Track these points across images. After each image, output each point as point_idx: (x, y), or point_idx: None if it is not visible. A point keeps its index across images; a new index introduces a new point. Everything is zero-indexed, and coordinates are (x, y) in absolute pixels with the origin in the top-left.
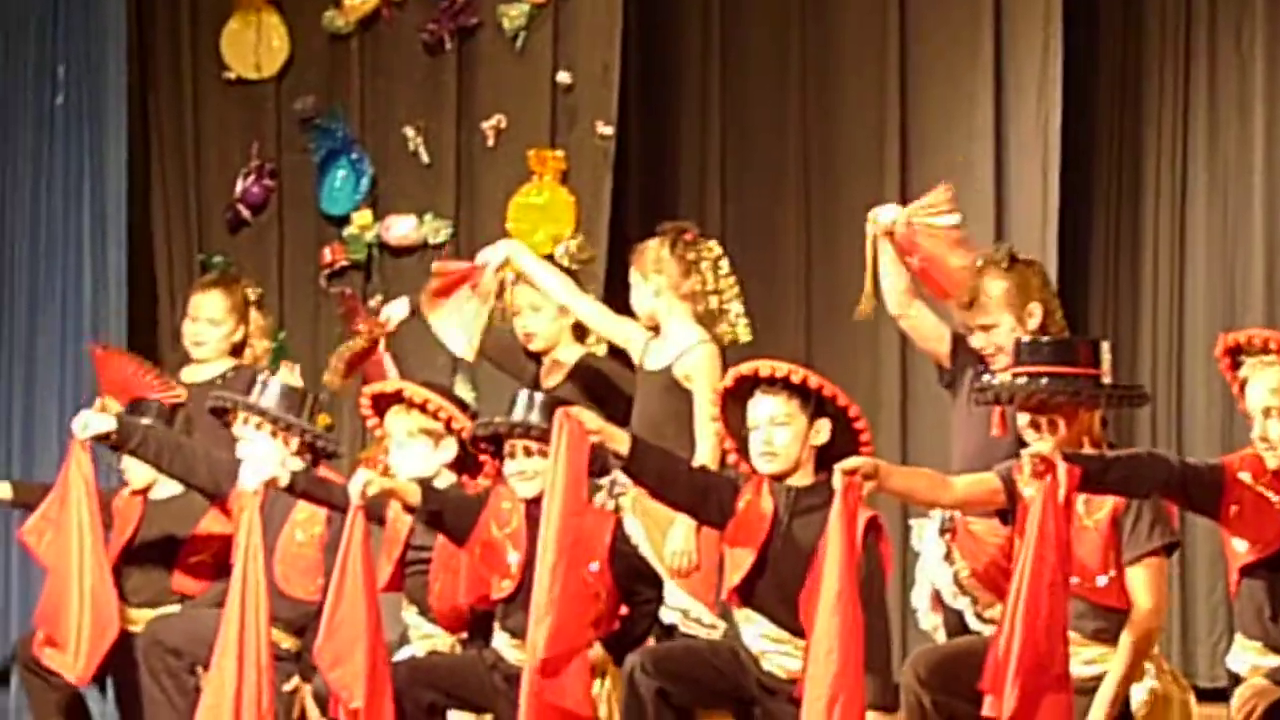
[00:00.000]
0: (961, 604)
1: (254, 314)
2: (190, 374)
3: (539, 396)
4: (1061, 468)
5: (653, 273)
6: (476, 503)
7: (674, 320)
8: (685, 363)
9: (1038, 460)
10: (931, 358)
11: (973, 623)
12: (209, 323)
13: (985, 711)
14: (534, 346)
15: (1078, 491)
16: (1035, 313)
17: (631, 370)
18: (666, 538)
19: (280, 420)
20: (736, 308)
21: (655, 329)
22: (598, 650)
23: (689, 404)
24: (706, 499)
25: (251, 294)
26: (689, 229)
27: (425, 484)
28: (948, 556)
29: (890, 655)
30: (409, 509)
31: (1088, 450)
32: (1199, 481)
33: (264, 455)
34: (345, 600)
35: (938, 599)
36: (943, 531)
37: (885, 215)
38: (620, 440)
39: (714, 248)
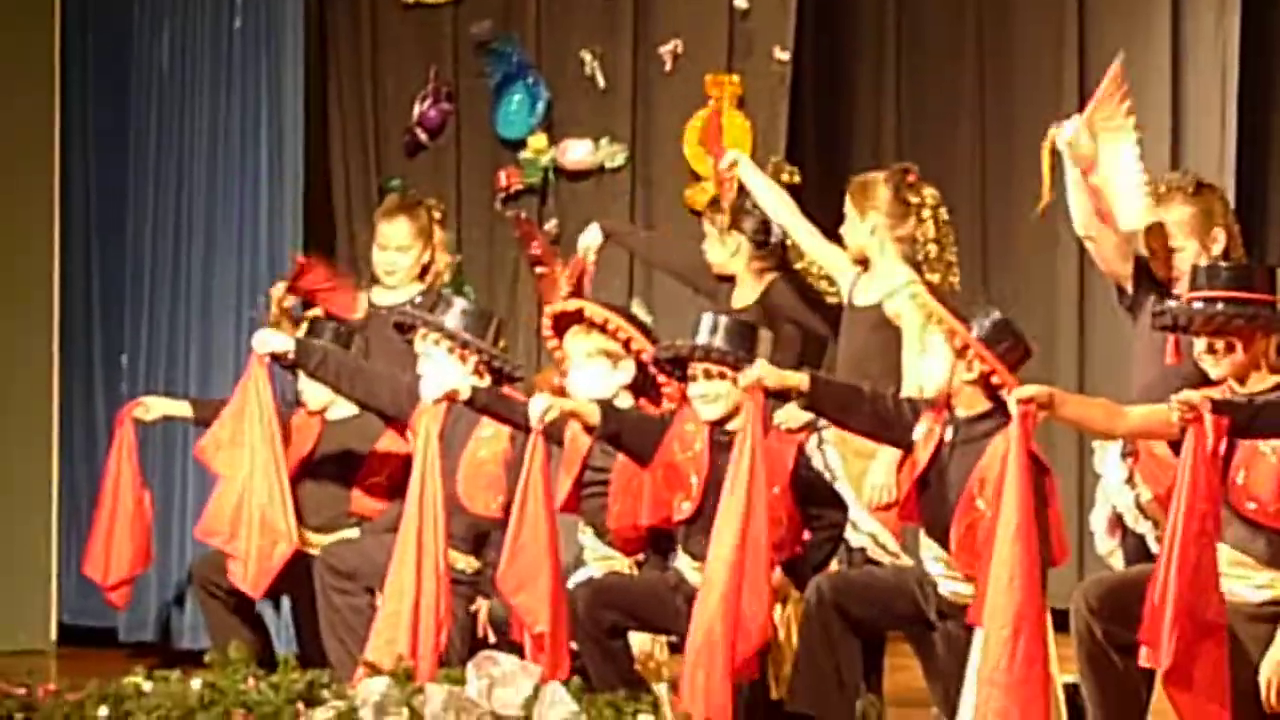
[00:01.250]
0: (1144, 528)
1: (437, 231)
2: (380, 296)
3: (723, 319)
4: (1209, 418)
5: (870, 209)
6: (659, 424)
7: (885, 259)
8: (896, 301)
9: (1185, 408)
10: (1114, 279)
11: (1154, 547)
12: (398, 250)
13: (1142, 662)
14: (715, 271)
15: (1228, 438)
16: (1219, 238)
17: (814, 298)
18: (868, 471)
19: (460, 339)
20: (951, 256)
21: (863, 263)
22: (778, 575)
23: (897, 341)
24: (890, 427)
25: (436, 213)
26: (912, 169)
27: (606, 404)
28: (1130, 480)
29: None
30: (589, 429)
31: (1252, 381)
32: None
33: (446, 374)
34: (527, 525)
35: (1117, 523)
36: (1125, 455)
37: (1069, 128)
38: (799, 381)
39: (935, 194)
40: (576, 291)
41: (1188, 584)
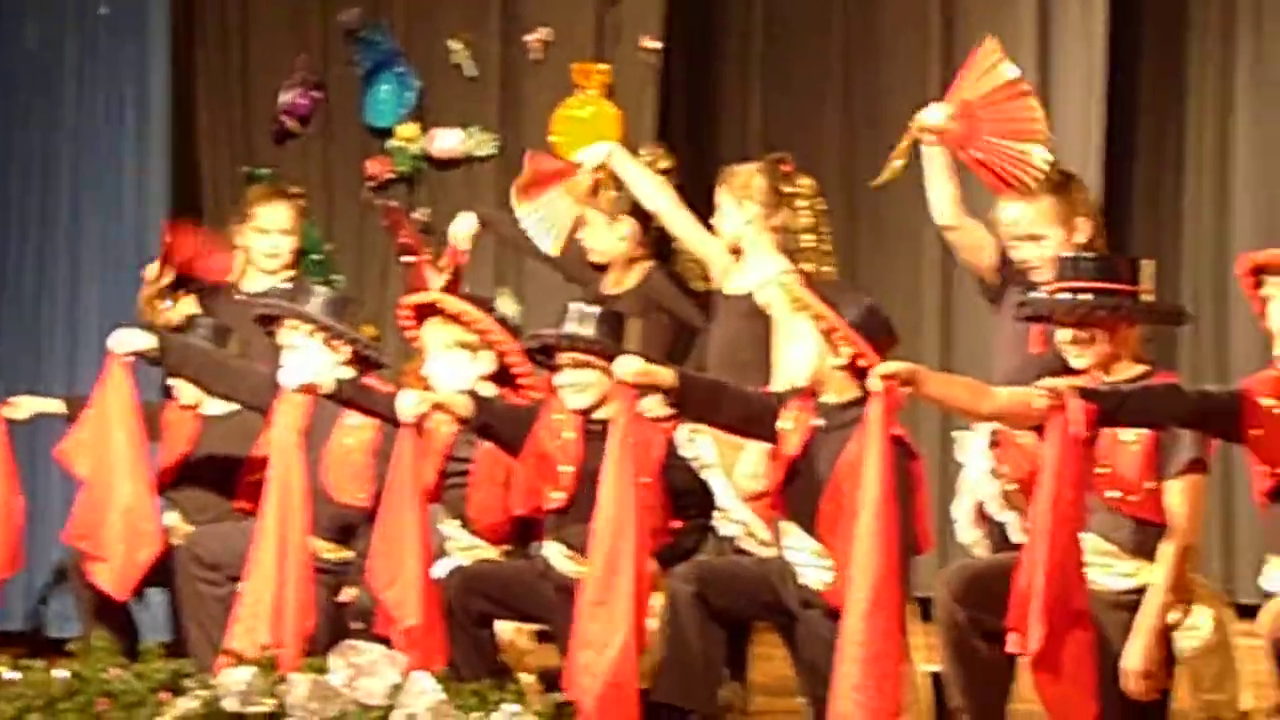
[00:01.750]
0: (1007, 518)
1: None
2: (255, 283)
3: (590, 309)
4: (1075, 405)
5: (745, 199)
6: (529, 414)
7: (758, 249)
8: (768, 291)
9: (1052, 395)
10: (975, 271)
11: (1017, 536)
12: (281, 234)
13: (1010, 648)
14: (593, 259)
15: (1094, 427)
16: (1082, 228)
17: (688, 287)
18: (739, 460)
19: (330, 328)
20: (827, 246)
21: (736, 252)
22: (650, 563)
23: (768, 330)
24: (757, 420)
25: (302, 202)
26: (786, 159)
27: (476, 396)
28: (993, 470)
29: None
30: (461, 421)
31: (1116, 371)
32: (1217, 410)
33: (310, 362)
34: (396, 518)
35: (980, 512)
36: (990, 445)
37: (932, 115)
38: (667, 378)
39: (810, 183)
40: (455, 280)
41: (1055, 571)
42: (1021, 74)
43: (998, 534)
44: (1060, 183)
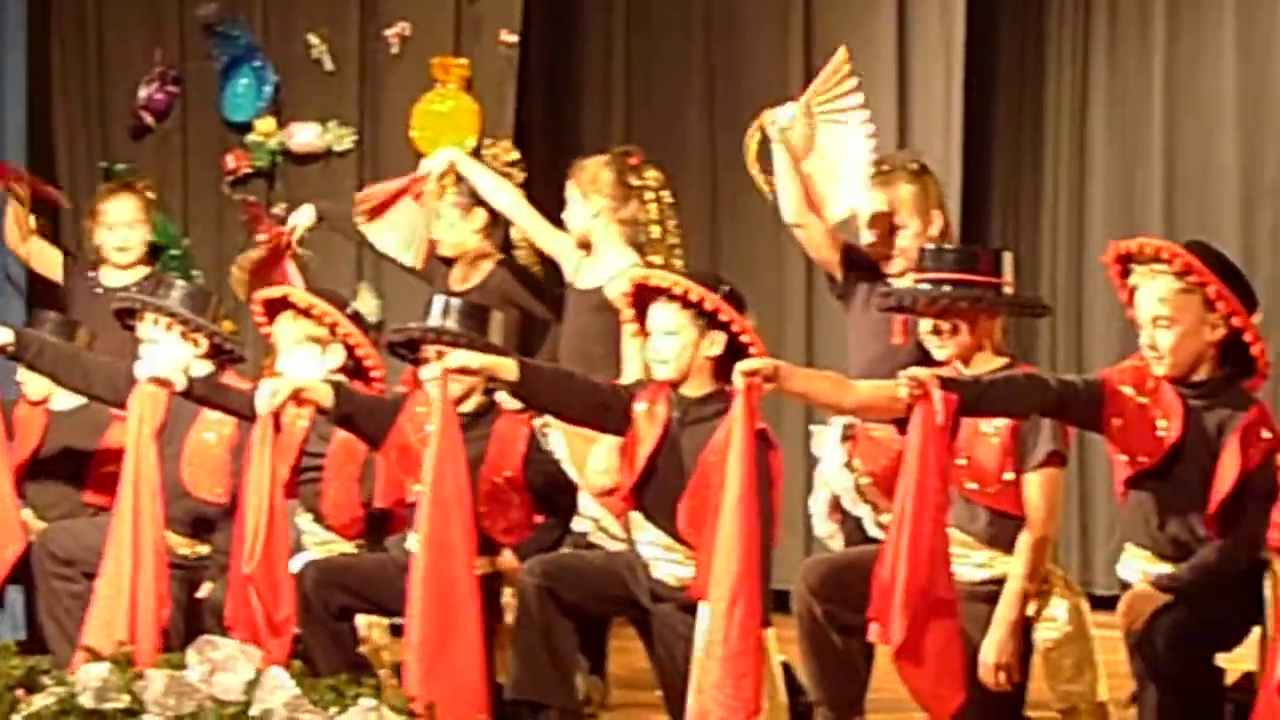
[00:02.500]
0: (862, 511)
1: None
2: (111, 278)
3: (454, 302)
4: (937, 394)
5: (592, 193)
6: (392, 406)
7: (607, 242)
8: (616, 285)
9: (913, 384)
10: (824, 267)
11: (872, 530)
12: (128, 227)
13: (872, 638)
14: (443, 252)
15: (956, 417)
16: (937, 220)
17: (535, 283)
18: (589, 455)
19: (189, 321)
20: (674, 239)
21: (586, 247)
22: (510, 558)
23: (618, 324)
24: (605, 413)
25: (150, 194)
26: (634, 153)
27: (338, 386)
28: (848, 464)
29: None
30: (322, 410)
31: (977, 361)
32: (1078, 399)
33: (168, 355)
34: (261, 511)
35: (836, 506)
36: (844, 439)
37: (784, 114)
38: (508, 369)
39: (658, 176)
40: (272, 259)
41: (919, 560)
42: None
43: (853, 527)
44: (917, 173)
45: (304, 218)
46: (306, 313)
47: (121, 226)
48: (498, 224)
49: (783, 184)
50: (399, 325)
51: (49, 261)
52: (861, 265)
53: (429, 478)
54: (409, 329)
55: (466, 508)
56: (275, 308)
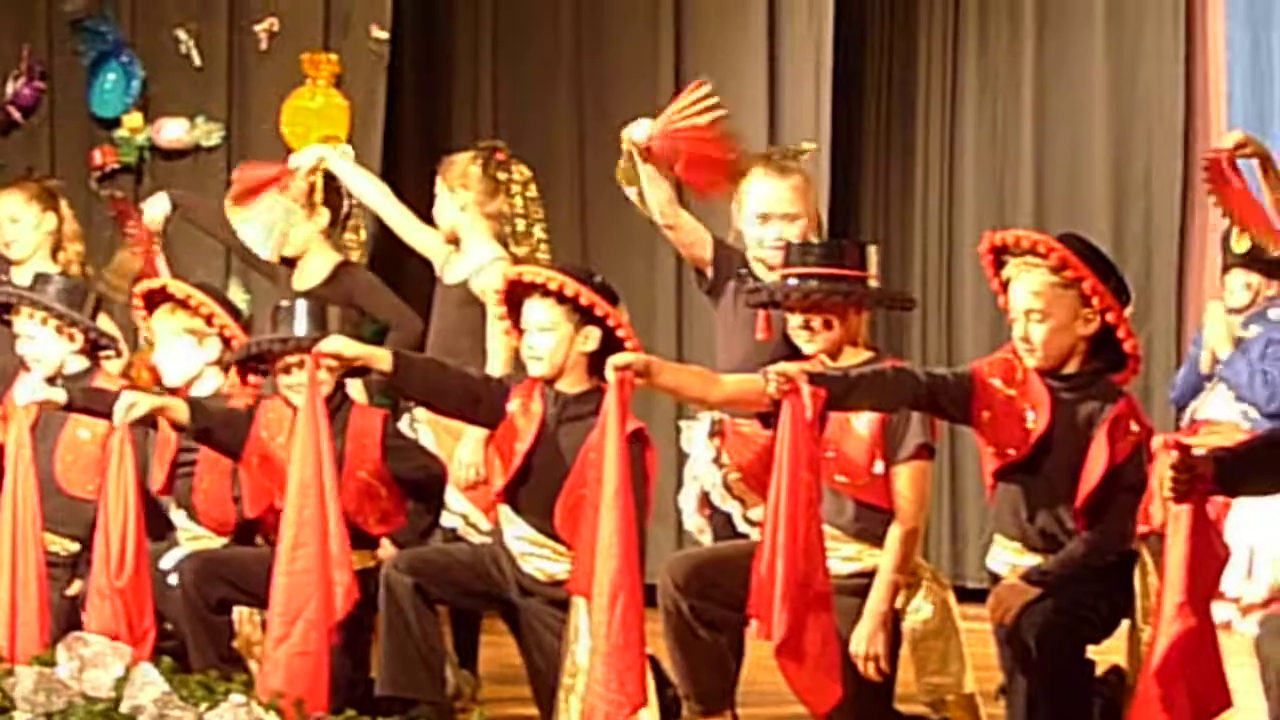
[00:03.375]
0: (730, 506)
1: (66, 211)
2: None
3: (298, 305)
4: (805, 389)
5: (459, 187)
6: (245, 416)
7: (475, 236)
8: (482, 278)
9: (781, 379)
10: (693, 264)
11: (740, 525)
12: (11, 221)
13: (753, 635)
14: (285, 251)
15: (825, 411)
16: (813, 214)
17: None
18: (457, 449)
19: (64, 316)
20: (539, 233)
21: (455, 242)
22: (388, 547)
23: (484, 318)
24: (478, 405)
25: (52, 185)
26: (501, 149)
27: (193, 401)
28: (717, 459)
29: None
30: (177, 426)
31: (845, 356)
32: (947, 392)
33: (47, 357)
34: (121, 524)
35: (705, 501)
36: (712, 435)
37: (639, 132)
38: (382, 359)
39: (524, 171)
40: (148, 262)
41: (795, 555)
42: (726, 114)
43: (721, 523)
44: (795, 167)
45: (159, 208)
46: (184, 304)
47: (5, 221)
48: (339, 225)
49: (648, 189)
50: (252, 339)
51: None
52: (730, 260)
53: (294, 470)
54: (257, 343)
55: (333, 499)
56: (154, 299)
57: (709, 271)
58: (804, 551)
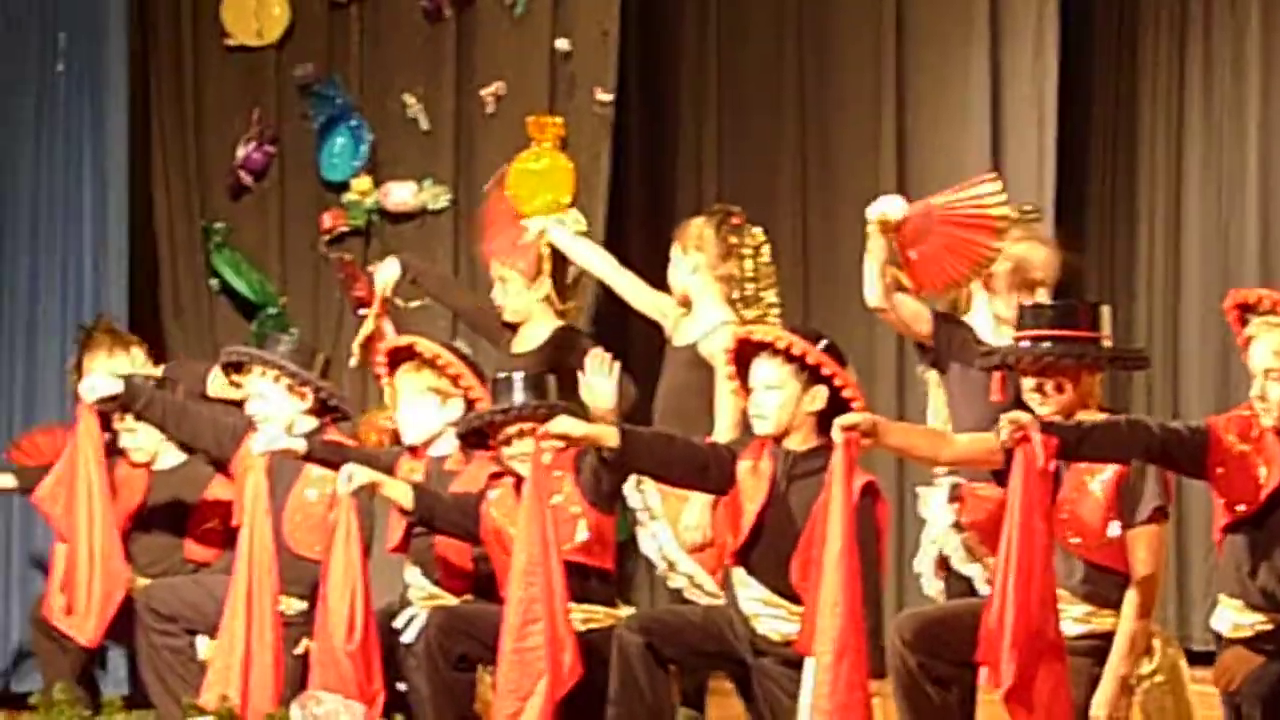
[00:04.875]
0: (972, 570)
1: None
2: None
3: (519, 377)
4: (1037, 437)
5: (693, 249)
6: (473, 501)
7: (706, 299)
8: (711, 341)
9: (1015, 428)
10: (914, 339)
11: (983, 588)
12: None
13: (982, 683)
14: (506, 318)
15: (1057, 459)
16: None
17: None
18: (683, 511)
19: (297, 375)
20: (771, 297)
21: (686, 304)
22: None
23: (713, 380)
24: (705, 472)
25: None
26: (736, 212)
27: (419, 486)
28: (956, 524)
29: (880, 620)
30: (403, 511)
31: (1079, 416)
32: (1181, 446)
33: (277, 416)
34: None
35: (942, 564)
36: (952, 499)
37: (895, 211)
38: (609, 436)
39: (758, 234)
40: (377, 325)
41: (1031, 603)
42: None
43: (959, 588)
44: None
45: (389, 272)
46: (431, 363)
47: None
48: (568, 293)
49: (869, 270)
50: (473, 414)
51: None
52: (951, 328)
53: (518, 548)
54: (480, 416)
55: (559, 581)
56: (398, 357)
57: (929, 343)
58: (1037, 599)
